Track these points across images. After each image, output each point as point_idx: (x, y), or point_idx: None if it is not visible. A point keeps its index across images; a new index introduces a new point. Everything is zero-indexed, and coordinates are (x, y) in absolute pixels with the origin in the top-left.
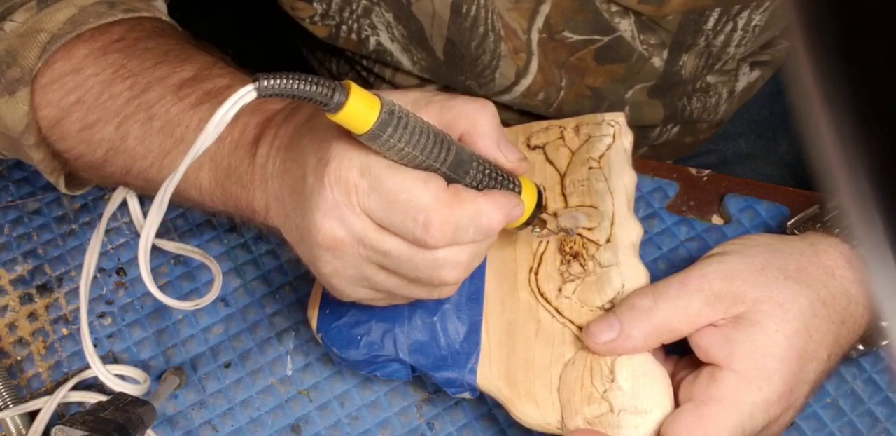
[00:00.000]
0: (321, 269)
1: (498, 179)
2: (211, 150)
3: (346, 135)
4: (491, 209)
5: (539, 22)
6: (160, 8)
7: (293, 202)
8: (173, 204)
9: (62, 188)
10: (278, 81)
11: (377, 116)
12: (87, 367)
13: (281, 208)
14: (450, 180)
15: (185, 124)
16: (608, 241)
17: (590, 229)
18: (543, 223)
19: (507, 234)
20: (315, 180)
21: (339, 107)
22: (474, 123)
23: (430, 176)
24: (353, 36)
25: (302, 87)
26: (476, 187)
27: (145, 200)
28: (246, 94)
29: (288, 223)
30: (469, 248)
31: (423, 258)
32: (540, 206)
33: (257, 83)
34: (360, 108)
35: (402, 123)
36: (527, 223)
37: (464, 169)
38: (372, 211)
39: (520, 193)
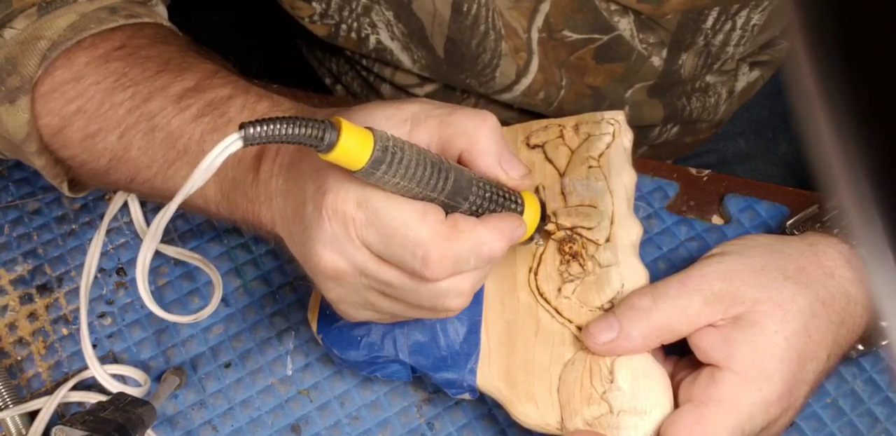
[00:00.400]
0: (326, 294)
1: (499, 201)
2: None
3: None
4: (491, 238)
5: (539, 21)
6: (161, 13)
7: (296, 226)
8: (180, 211)
9: (66, 192)
10: (264, 128)
11: (370, 154)
12: (87, 367)
13: (286, 227)
14: (448, 208)
15: (188, 136)
16: (607, 240)
17: (589, 229)
18: (548, 235)
19: None
20: (314, 210)
21: (330, 147)
22: (473, 140)
23: (428, 208)
24: (353, 35)
25: (289, 131)
26: (476, 211)
27: (146, 201)
28: (231, 143)
29: (292, 243)
30: (471, 276)
31: (425, 289)
32: (543, 219)
33: (242, 131)
34: (352, 146)
35: (396, 159)
36: (530, 239)
37: (462, 195)
38: (371, 244)
39: (521, 211)
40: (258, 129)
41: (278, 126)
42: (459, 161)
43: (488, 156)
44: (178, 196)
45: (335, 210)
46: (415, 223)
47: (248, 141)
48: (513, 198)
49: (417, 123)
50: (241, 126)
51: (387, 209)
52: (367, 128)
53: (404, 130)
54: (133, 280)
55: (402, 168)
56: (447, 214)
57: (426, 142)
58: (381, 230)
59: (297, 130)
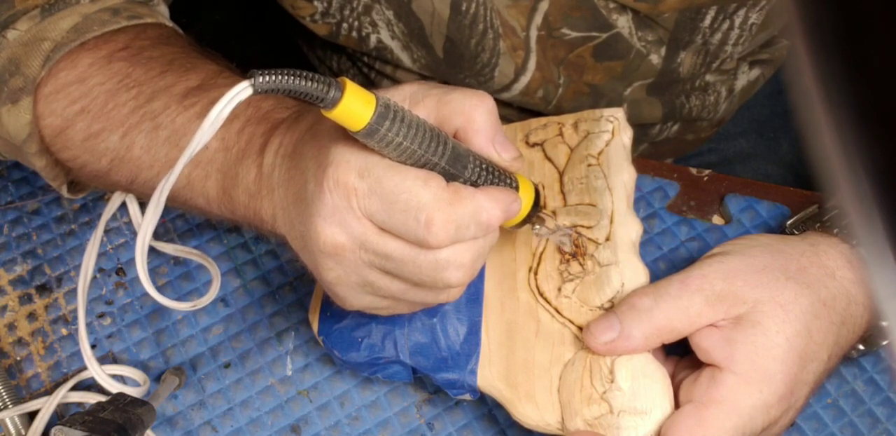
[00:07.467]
0: (324, 276)
1: (494, 175)
2: (218, 159)
3: (345, 138)
4: (490, 205)
5: (537, 19)
6: (163, 12)
7: (296, 210)
8: (179, 211)
9: (65, 194)
10: (274, 77)
11: (374, 109)
12: (87, 367)
13: (286, 217)
14: (449, 175)
15: (192, 134)
16: (607, 239)
17: (588, 228)
18: (542, 221)
19: (507, 233)
20: (315, 186)
21: (335, 102)
22: (469, 118)
23: (430, 175)
24: (354, 34)
25: (297, 82)
26: (475, 182)
27: (145, 201)
28: (242, 90)
29: (292, 232)
30: (471, 247)
31: (425, 260)
32: (537, 203)
33: (252, 79)
34: (356, 103)
35: (398, 117)
36: (524, 221)
37: (462, 163)
38: (372, 214)
39: (516, 189)
40: (268, 77)
41: (287, 77)
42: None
43: (483, 135)
44: (188, 149)
45: (336, 181)
46: (417, 189)
47: (257, 88)
48: (506, 177)
49: (416, 102)
50: (251, 74)
51: (389, 177)
52: (369, 90)
53: None
54: (132, 280)
55: (404, 127)
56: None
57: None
58: (383, 198)
59: (304, 82)
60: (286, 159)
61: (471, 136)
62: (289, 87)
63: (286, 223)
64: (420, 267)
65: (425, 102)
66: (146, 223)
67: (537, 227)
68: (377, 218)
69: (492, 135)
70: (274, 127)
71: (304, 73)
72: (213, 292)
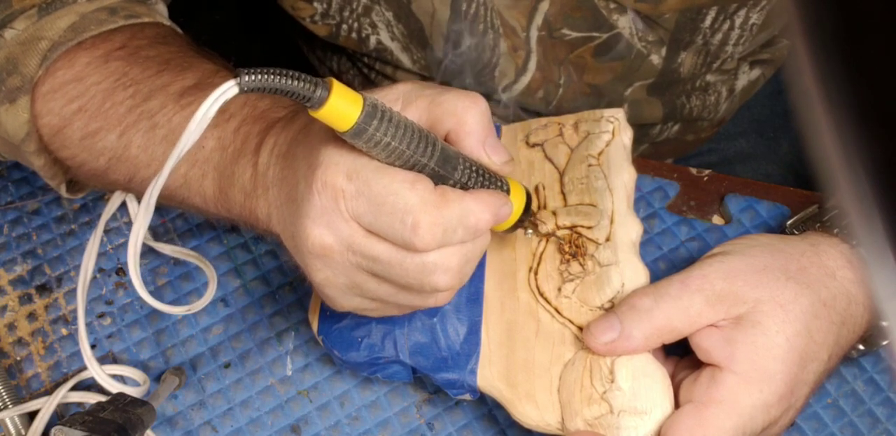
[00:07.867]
0: (313, 277)
1: (486, 175)
2: (215, 158)
3: (335, 139)
4: (479, 208)
5: (538, 19)
6: (161, 11)
7: (288, 210)
8: (179, 211)
9: (63, 193)
10: (260, 76)
11: (361, 109)
12: (87, 367)
13: (280, 216)
14: (438, 177)
15: None
16: (607, 239)
17: (589, 228)
18: (535, 226)
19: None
20: (304, 187)
21: (321, 102)
22: (461, 120)
23: (418, 177)
24: (354, 35)
25: (283, 81)
26: (465, 184)
27: None
28: (228, 89)
29: (285, 231)
30: (459, 251)
31: (412, 263)
32: (528, 208)
33: (239, 78)
34: (343, 102)
35: (386, 117)
36: (515, 226)
37: (451, 165)
38: (360, 215)
39: (507, 192)
40: (255, 77)
41: (274, 76)
42: (445, 141)
43: (474, 138)
44: (176, 148)
45: (325, 183)
46: (405, 191)
47: (243, 86)
48: (497, 180)
49: (408, 102)
50: (237, 73)
51: (377, 179)
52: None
53: (395, 109)
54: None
55: (392, 127)
56: (436, 185)
57: (415, 120)
58: (371, 200)
59: (291, 82)
60: (280, 159)
61: (462, 138)
62: (275, 86)
63: (280, 223)
64: (407, 270)
65: (418, 103)
66: (137, 225)
67: (529, 232)
68: (364, 220)
69: (483, 137)
70: (269, 126)
71: (291, 73)
72: (210, 295)
